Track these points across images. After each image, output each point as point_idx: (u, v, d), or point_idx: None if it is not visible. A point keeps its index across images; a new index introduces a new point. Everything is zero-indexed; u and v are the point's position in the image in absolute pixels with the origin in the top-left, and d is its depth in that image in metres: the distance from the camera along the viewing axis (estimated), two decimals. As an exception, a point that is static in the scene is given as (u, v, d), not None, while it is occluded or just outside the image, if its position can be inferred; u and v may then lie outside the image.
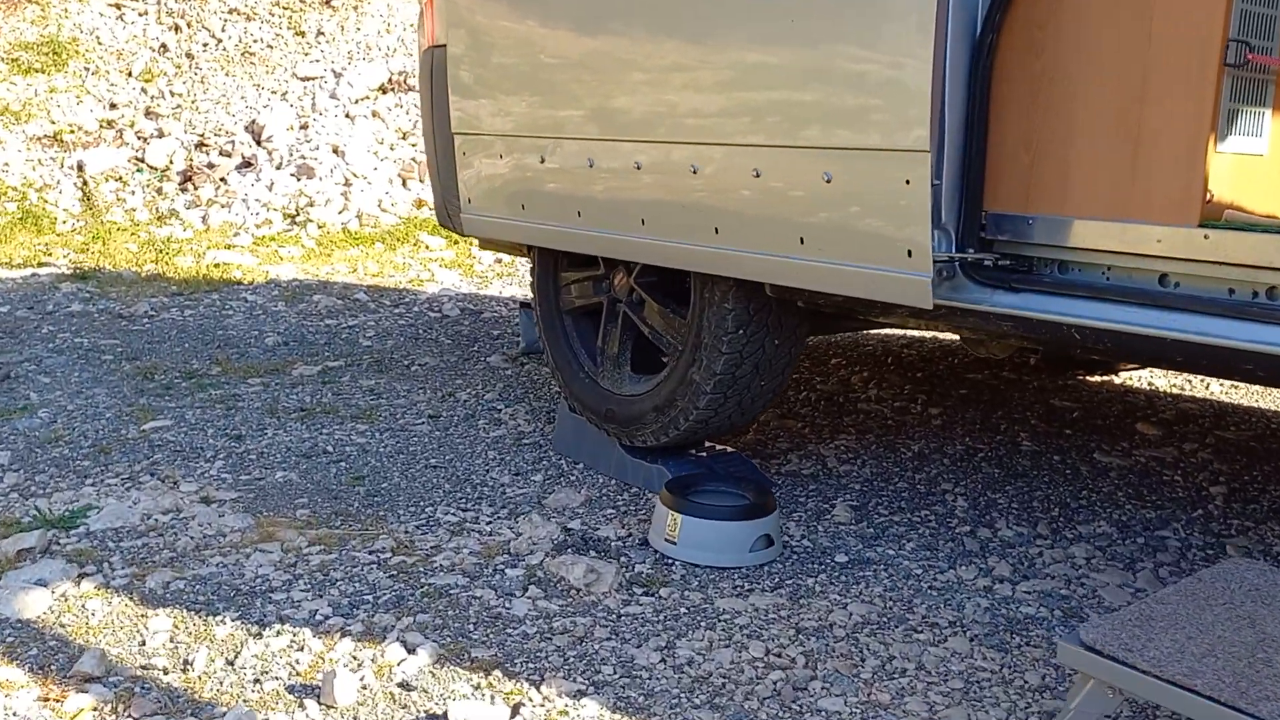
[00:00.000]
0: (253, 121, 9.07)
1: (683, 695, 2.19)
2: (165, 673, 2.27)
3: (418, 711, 2.14)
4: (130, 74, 9.43)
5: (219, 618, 2.49)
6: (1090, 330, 2.32)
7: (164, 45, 9.76)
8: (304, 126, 9.07)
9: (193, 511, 3.13)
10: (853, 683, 2.23)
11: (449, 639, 2.39)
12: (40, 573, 2.69)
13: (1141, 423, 3.93)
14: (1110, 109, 2.30)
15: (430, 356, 5.04)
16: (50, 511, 3.11)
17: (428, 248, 7.73)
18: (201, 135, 8.92)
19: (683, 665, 2.29)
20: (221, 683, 2.24)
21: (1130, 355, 2.53)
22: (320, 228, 8.01)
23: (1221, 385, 4.46)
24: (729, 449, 3.49)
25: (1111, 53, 2.28)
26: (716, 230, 2.86)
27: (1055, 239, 2.41)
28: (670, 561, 2.78)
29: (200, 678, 2.26)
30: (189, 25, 10.00)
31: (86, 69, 9.38)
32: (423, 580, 2.68)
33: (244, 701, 2.17)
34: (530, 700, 2.17)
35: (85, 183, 8.39)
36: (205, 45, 9.89)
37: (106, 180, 8.46)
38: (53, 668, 2.29)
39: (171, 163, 8.67)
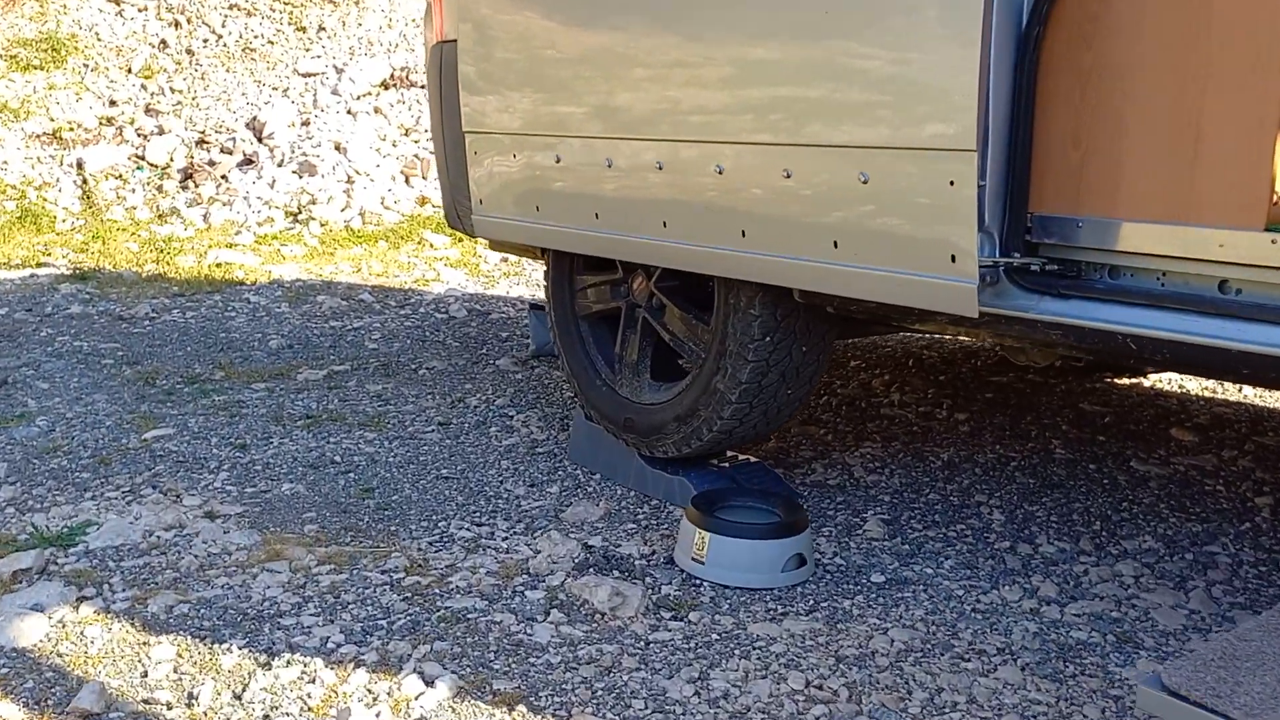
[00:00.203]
0: (254, 118, 8.94)
1: (718, 730, 2.06)
2: (169, 708, 2.14)
3: (437, 749, 2.01)
4: (130, 70, 9.30)
5: (225, 645, 2.36)
6: (1148, 340, 2.18)
7: (164, 41, 9.63)
8: (305, 123, 8.94)
9: (196, 527, 3.01)
10: (901, 718, 2.10)
11: (469, 669, 2.26)
12: (37, 596, 2.56)
13: (1176, 428, 3.80)
14: (1167, 103, 2.16)
15: (438, 360, 4.91)
16: (48, 528, 2.99)
17: (432, 246, 7.59)
18: (202, 132, 8.79)
19: (718, 699, 2.16)
20: (229, 719, 2.11)
21: (1190, 367, 2.40)
22: (323, 226, 7.88)
23: (1256, 389, 4.33)
24: (751, 459, 3.36)
25: (1169, 43, 2.15)
26: (743, 233, 2.73)
27: (1106, 242, 2.28)
28: (698, 582, 2.65)
29: (206, 714, 2.13)
30: (189, 21, 9.87)
31: (86, 66, 9.25)
32: (439, 603, 2.55)
33: (252, 739, 2.05)
34: (556, 736, 2.04)
35: (85, 181, 8.27)
36: (205, 41, 9.76)
37: (106, 178, 8.33)
38: (49, 702, 2.16)
39: (172, 160, 8.54)
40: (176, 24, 9.83)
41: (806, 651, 2.33)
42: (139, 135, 8.69)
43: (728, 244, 2.78)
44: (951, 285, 2.32)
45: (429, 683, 2.20)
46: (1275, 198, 2.07)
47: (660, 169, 2.90)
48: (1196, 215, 2.15)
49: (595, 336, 3.54)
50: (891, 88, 2.35)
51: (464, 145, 3.62)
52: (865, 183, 2.43)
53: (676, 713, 2.11)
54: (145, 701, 2.16)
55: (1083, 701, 2.16)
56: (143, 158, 8.52)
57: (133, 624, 2.46)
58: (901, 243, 2.40)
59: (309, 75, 9.48)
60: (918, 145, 2.32)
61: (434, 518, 3.13)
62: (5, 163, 8.29)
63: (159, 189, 8.30)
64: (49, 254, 7.11)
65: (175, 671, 2.27)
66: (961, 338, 4.37)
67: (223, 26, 9.88)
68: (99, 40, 9.55)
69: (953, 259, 2.31)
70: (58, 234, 7.63)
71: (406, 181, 8.66)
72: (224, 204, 8.09)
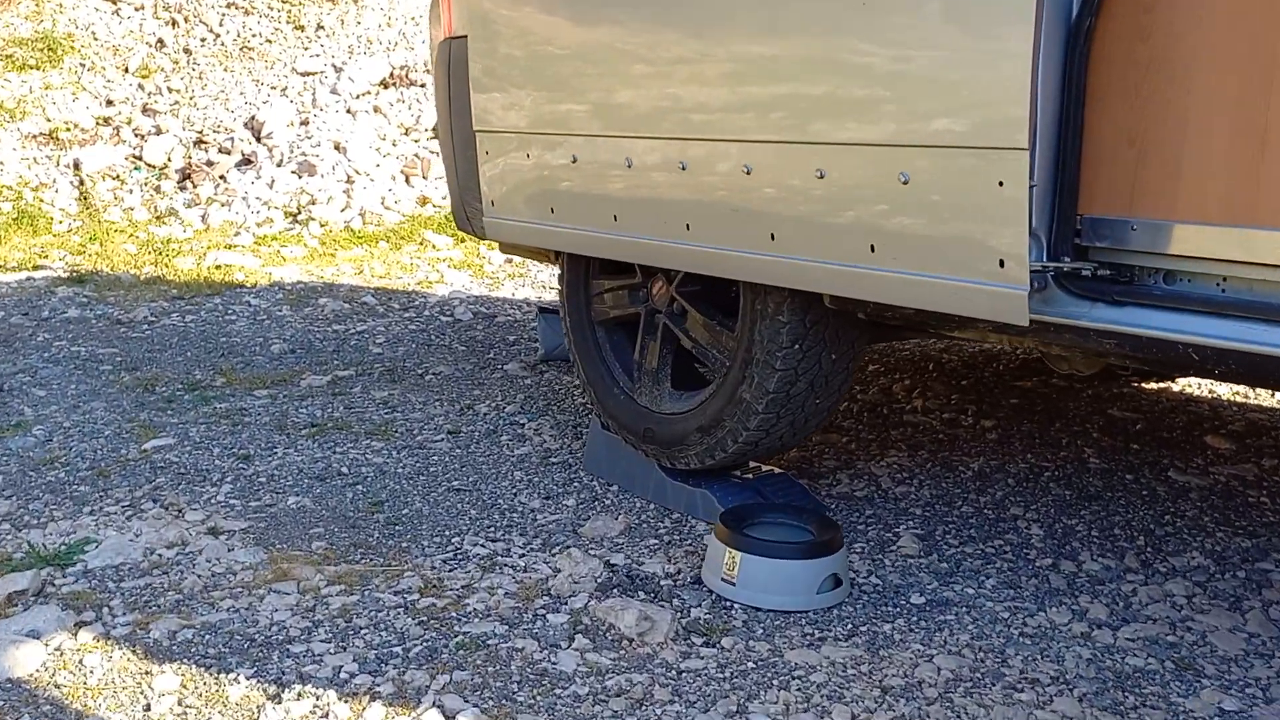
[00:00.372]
0: (252, 118, 8.82)
1: (758, 767, 1.94)
2: (173, 744, 2.02)
3: (460, 790, 1.88)
4: (127, 70, 9.18)
5: (232, 675, 2.23)
6: (1212, 350, 2.06)
7: (161, 40, 9.50)
8: (304, 123, 8.82)
9: (199, 544, 2.88)
10: (954, 755, 1.97)
11: (491, 702, 2.13)
12: (33, 622, 2.43)
13: (1211, 435, 3.67)
14: (1231, 99, 2.03)
15: (445, 365, 4.78)
16: (45, 546, 2.86)
17: (434, 247, 7.47)
18: (200, 132, 8.67)
19: (758, 734, 2.04)
20: (237, 756, 1.99)
21: (1259, 379, 2.28)
22: (322, 226, 7.75)
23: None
24: (776, 470, 3.24)
25: (1232, 34, 2.02)
26: (773, 236, 2.60)
27: (1162, 246, 2.16)
28: (728, 604, 2.52)
29: (213, 751, 2.00)
30: (186, 20, 9.75)
31: (82, 65, 9.12)
32: (456, 628, 2.42)
33: (263, 779, 1.92)
34: (587, 775, 1.92)
35: (82, 181, 8.14)
36: (203, 40, 9.64)
37: (103, 179, 8.20)
38: (46, 738, 2.04)
39: (170, 160, 8.42)
40: (174, 23, 9.71)
41: (849, 682, 2.19)
42: (136, 135, 8.57)
43: (756, 247, 2.65)
44: (1000, 292, 2.19)
45: (450, 717, 2.07)
46: (1349, 199, 1.94)
47: (684, 169, 2.77)
48: (1262, 217, 2.02)
49: (612, 343, 3.40)
50: (935, 82, 2.22)
51: (474, 145, 3.49)
52: (905, 183, 2.30)
53: (714, 749, 1.99)
54: (148, 737, 2.04)
55: (1147, 736, 2.03)
56: (140, 158, 8.40)
57: (134, 651, 2.33)
58: (944, 246, 2.27)
59: (308, 74, 9.37)
60: (964, 143, 2.19)
61: (447, 533, 3.00)
62: (1, 164, 8.16)
63: (157, 189, 8.18)
64: (46, 256, 6.98)
65: (180, 704, 2.14)
66: (984, 342, 4.24)
67: (220, 25, 9.77)
68: (95, 39, 9.42)
69: (1001, 264, 2.18)
70: (54, 236, 7.50)
71: (407, 181, 8.55)
72: (222, 204, 7.96)
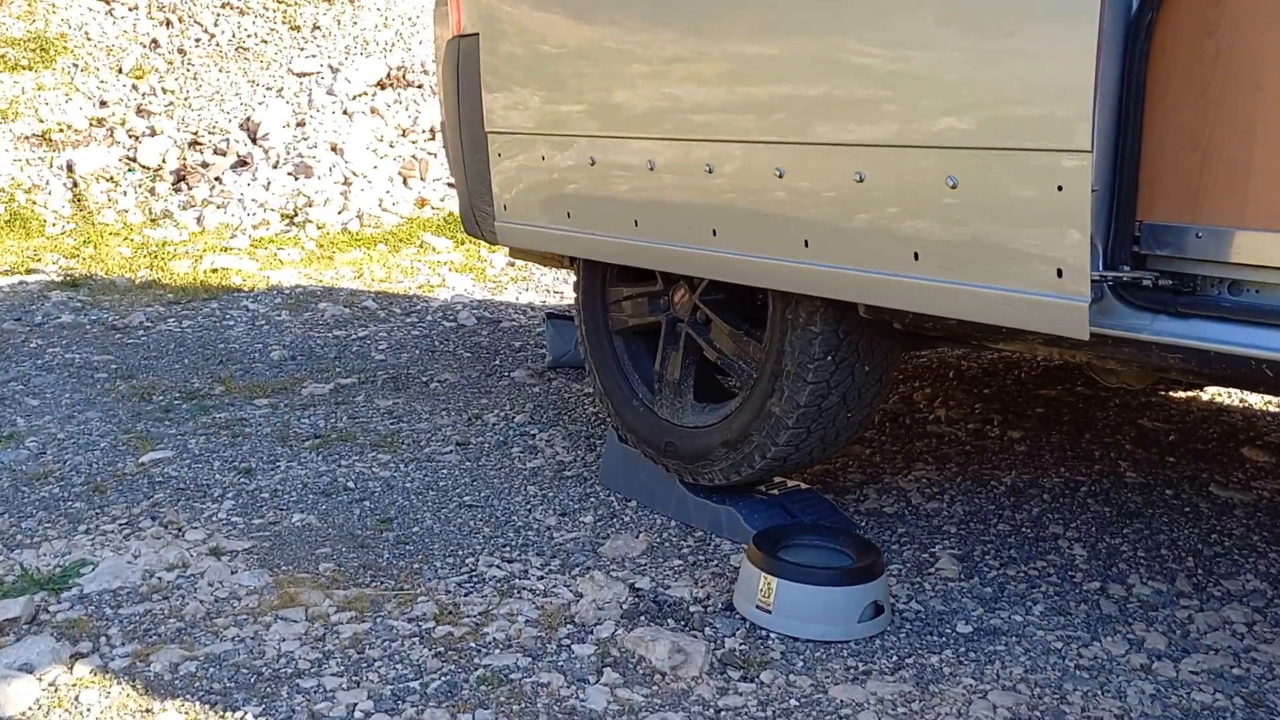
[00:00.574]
0: (248, 119, 8.69)
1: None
2: (177, 792, 1.88)
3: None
4: (121, 70, 9.04)
5: (239, 714, 2.09)
6: (1291, 366, 1.93)
7: (155, 41, 9.37)
8: (301, 124, 8.69)
9: (201, 566, 2.74)
10: (1020, 803, 1.84)
11: (518, 743, 2.00)
12: (26, 654, 2.28)
13: (1248, 447, 3.54)
14: (1306, 99, 1.91)
15: (450, 372, 4.65)
16: (39, 569, 2.72)
17: (434, 250, 7.33)
18: (195, 133, 8.53)
19: (806, 779, 1.90)
20: (246, 805, 1.85)
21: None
22: (319, 228, 7.62)
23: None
24: (802, 485, 3.10)
25: (1309, 31, 1.89)
26: (806, 243, 2.46)
27: (1228, 254, 2.02)
28: (764, 633, 2.38)
29: (220, 799, 1.86)
30: (180, 20, 9.62)
31: (75, 66, 8.98)
32: (476, 660, 2.27)
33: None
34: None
35: (75, 183, 8.00)
36: (198, 40, 9.51)
37: (97, 180, 8.07)
38: (40, 785, 1.90)
39: (164, 162, 8.28)
40: (168, 23, 9.59)
41: (899, 720, 2.06)
42: (130, 136, 8.44)
43: (788, 254, 2.51)
44: (1057, 303, 2.06)
45: (474, 761, 1.94)
46: None
47: (710, 172, 2.64)
48: (1341, 224, 1.90)
49: (631, 353, 3.26)
50: (988, 80, 2.08)
51: (486, 147, 3.35)
52: (954, 187, 2.16)
53: (760, 797, 1.85)
54: (150, 783, 1.90)
55: (1223, 781, 1.90)
56: (134, 159, 8.27)
57: (134, 686, 2.19)
58: (996, 255, 2.14)
59: (304, 75, 9.25)
60: (1019, 145, 2.05)
61: (460, 553, 2.86)
62: (-7, 165, 8.03)
63: (151, 191, 8.04)
64: (39, 259, 6.83)
65: (183, 745, 2.01)
66: (1029, 354, 4.12)
67: (215, 25, 9.65)
68: (89, 40, 9.29)
69: (1059, 273, 2.05)
70: (47, 238, 7.35)
71: (404, 183, 8.43)
72: (218, 206, 7.83)
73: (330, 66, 9.33)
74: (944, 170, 2.17)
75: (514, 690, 2.16)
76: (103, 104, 8.70)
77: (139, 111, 8.68)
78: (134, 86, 8.95)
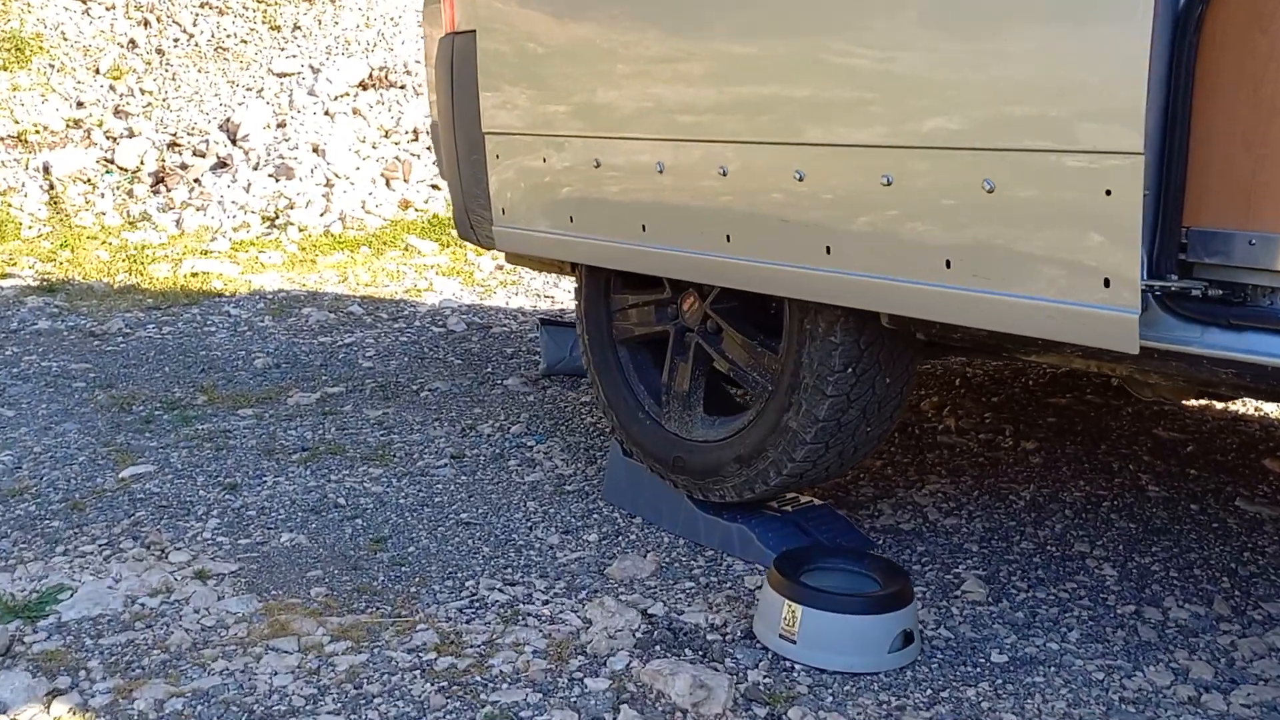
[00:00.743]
0: (227, 120, 8.54)
1: None
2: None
3: None
4: (98, 71, 8.87)
5: (230, 757, 1.95)
6: (1358, 383, 1.80)
7: (133, 41, 9.21)
8: (281, 125, 8.55)
9: (186, 591, 2.59)
10: None
11: (532, 790, 1.86)
12: (0, 691, 2.13)
13: (1270, 459, 3.43)
14: (1374, 98, 1.79)
15: (441, 380, 4.50)
16: (13, 595, 2.56)
17: (420, 252, 7.19)
18: (174, 135, 8.37)
19: (846, 829, 1.77)
20: None
21: None
22: (301, 231, 7.47)
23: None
24: (815, 501, 2.97)
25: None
26: (828, 250, 2.33)
27: (1284, 263, 1.90)
28: (788, 665, 2.24)
29: None
30: (159, 20, 9.47)
31: (51, 66, 8.80)
32: (483, 696, 2.13)
33: None
34: None
35: (52, 186, 7.83)
36: (176, 40, 9.35)
37: (74, 182, 7.90)
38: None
39: (143, 164, 8.13)
40: (146, 23, 9.43)
41: (940, 761, 1.93)
42: (108, 138, 8.28)
43: (809, 261, 2.38)
44: (1104, 315, 1.93)
45: (486, 810, 1.80)
46: None
47: (724, 175, 2.50)
48: None
49: (636, 363, 3.12)
50: (1030, 75, 1.95)
51: (483, 148, 3.21)
52: (990, 191, 2.03)
53: None
54: (134, 837, 1.75)
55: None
56: (112, 161, 8.11)
57: (116, 726, 2.05)
58: (1037, 263, 2.01)
59: (284, 75, 9.12)
60: (1064, 146, 1.93)
61: (459, 575, 2.72)
62: (-34, 167, 7.85)
63: (129, 194, 7.88)
64: (14, 264, 6.66)
65: (170, 794, 1.86)
66: (1064, 366, 4.00)
67: (194, 25, 9.50)
68: (65, 39, 9.12)
69: (1106, 283, 1.92)
70: (23, 242, 7.18)
71: (388, 185, 8.31)
72: (197, 209, 7.67)
73: (311, 67, 9.19)
74: (980, 173, 2.04)
75: (525, 730, 2.03)
76: (80, 105, 8.53)
77: (117, 112, 8.51)
78: (111, 87, 8.79)
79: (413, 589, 2.64)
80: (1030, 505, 3.08)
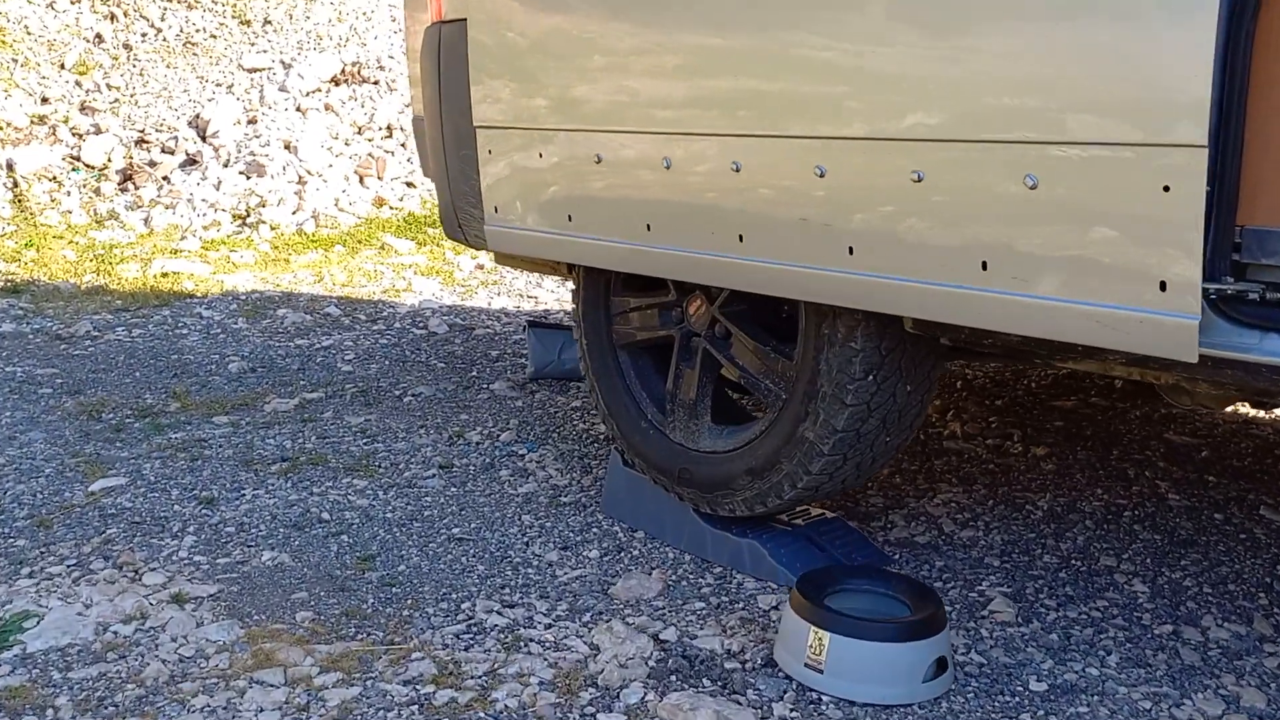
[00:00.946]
0: (197, 116, 8.33)
1: None
2: None
3: None
4: (63, 66, 8.65)
5: (215, 808, 1.79)
6: None
7: (99, 35, 8.99)
8: (252, 121, 8.35)
9: (162, 617, 2.42)
10: None
11: (549, 843, 1.71)
12: (-40, 733, 1.97)
13: (1290, 464, 3.31)
14: None
15: (424, 385, 4.33)
16: (-25, 623, 2.39)
17: (396, 252, 7.01)
18: (142, 131, 8.16)
19: None
20: None
21: None
22: (273, 229, 7.28)
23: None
24: (827, 514, 2.83)
25: None
26: (851, 250, 2.18)
27: (1348, 264, 1.77)
28: (815, 696, 2.09)
29: None
30: (126, 14, 9.25)
31: (15, 61, 8.57)
32: (488, 734, 1.98)
33: None
34: None
35: (16, 184, 7.60)
36: (144, 35, 9.14)
37: (39, 180, 7.67)
38: None
39: (110, 161, 7.91)
40: (112, 17, 9.21)
41: (990, 805, 1.79)
42: (74, 135, 8.07)
43: (829, 263, 2.23)
44: (1160, 321, 1.79)
45: None
46: None
47: (738, 171, 2.35)
48: None
49: (638, 369, 2.97)
50: (1079, 62, 1.81)
51: (473, 143, 3.05)
52: (1034, 188, 1.89)
53: None
54: None
55: None
56: (78, 158, 7.90)
57: (89, 772, 1.88)
58: (1085, 266, 1.86)
59: (255, 71, 8.92)
60: (1117, 139, 1.78)
61: (454, 596, 2.56)
62: (-73, 164, 7.63)
63: (96, 191, 7.67)
64: (-24, 264, 6.45)
65: None
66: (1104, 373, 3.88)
67: (162, 20, 9.29)
68: (29, 34, 8.88)
69: (1163, 286, 1.78)
70: (-15, 242, 6.96)
71: (361, 182, 8.13)
72: (166, 207, 7.47)
73: (282, 62, 9.00)
74: (1022, 168, 1.90)
75: (537, 773, 1.87)
76: (44, 101, 8.31)
77: (83, 109, 8.30)
78: (77, 83, 8.57)
79: (405, 612, 2.48)
80: (1049, 516, 2.95)
